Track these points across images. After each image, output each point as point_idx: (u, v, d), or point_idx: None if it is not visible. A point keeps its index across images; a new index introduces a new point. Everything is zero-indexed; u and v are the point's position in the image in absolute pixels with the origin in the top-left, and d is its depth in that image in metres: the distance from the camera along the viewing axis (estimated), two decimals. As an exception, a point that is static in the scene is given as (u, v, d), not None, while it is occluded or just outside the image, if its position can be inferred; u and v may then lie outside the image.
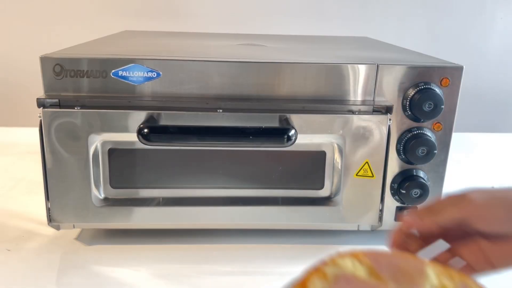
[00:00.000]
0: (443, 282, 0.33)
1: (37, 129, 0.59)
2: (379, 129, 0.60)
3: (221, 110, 0.58)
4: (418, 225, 0.41)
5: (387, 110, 0.61)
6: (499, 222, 0.38)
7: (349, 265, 0.32)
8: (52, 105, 0.58)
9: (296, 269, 0.34)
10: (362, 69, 0.60)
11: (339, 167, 0.63)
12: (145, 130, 0.55)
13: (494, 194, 0.39)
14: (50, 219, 0.61)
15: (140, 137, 0.55)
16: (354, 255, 0.33)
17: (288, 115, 0.59)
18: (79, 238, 0.66)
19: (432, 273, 0.33)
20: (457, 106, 0.62)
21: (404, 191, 0.63)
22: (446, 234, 0.41)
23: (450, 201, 0.40)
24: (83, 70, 0.59)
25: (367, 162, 0.62)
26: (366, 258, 0.33)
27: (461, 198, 0.39)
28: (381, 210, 0.64)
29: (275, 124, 0.59)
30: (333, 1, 1.52)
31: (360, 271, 0.32)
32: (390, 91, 0.61)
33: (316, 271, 0.32)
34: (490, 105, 1.68)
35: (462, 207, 0.38)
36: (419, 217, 0.40)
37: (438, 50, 1.59)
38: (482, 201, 0.38)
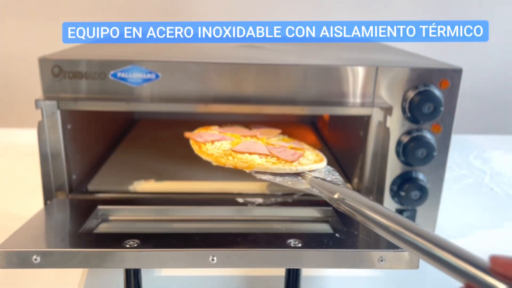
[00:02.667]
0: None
1: (35, 130, 0.59)
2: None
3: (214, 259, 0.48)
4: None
5: (387, 112, 0.60)
6: None
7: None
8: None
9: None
10: (361, 71, 0.60)
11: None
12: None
13: None
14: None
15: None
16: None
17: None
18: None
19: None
20: (457, 108, 0.62)
21: (403, 193, 0.63)
22: None
23: None
24: (82, 72, 0.58)
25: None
26: None
27: None
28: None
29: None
30: (333, 3, 1.52)
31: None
32: (389, 93, 0.61)
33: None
34: (490, 106, 1.68)
35: None
36: None
37: (437, 51, 1.59)
38: None
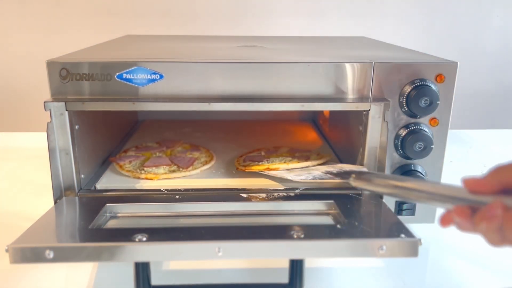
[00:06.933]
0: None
1: (42, 133, 0.60)
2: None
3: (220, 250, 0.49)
4: (481, 184, 0.39)
5: (384, 106, 0.62)
6: None
7: None
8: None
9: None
10: (359, 67, 0.62)
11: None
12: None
13: None
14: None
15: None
16: None
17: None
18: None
19: None
20: (453, 101, 0.63)
21: (402, 186, 0.65)
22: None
23: None
24: (88, 74, 0.60)
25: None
26: None
27: None
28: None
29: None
30: (332, 3, 1.54)
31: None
32: (386, 88, 0.63)
33: None
34: (488, 101, 1.69)
35: None
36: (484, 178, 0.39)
37: (435, 49, 1.61)
38: None
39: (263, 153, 0.83)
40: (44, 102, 0.60)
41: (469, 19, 1.60)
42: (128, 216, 0.61)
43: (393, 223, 0.55)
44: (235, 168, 0.76)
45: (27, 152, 1.05)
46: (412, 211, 0.67)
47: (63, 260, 0.49)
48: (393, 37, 1.54)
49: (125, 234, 0.51)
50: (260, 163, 0.74)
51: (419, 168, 0.65)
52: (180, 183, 0.70)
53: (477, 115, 1.66)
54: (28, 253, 0.48)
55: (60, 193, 0.63)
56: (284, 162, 0.74)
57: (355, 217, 0.57)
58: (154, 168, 0.74)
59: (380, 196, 0.64)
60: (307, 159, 0.76)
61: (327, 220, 0.60)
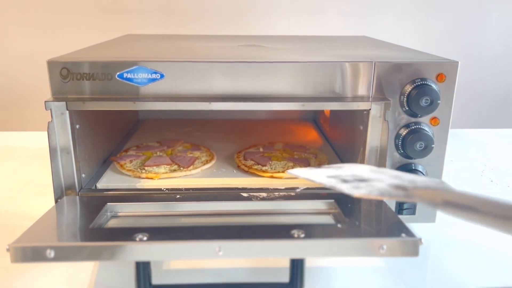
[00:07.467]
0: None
1: (43, 133, 0.60)
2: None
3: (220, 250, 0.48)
4: None
5: (385, 106, 0.62)
6: None
7: None
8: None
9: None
10: (359, 66, 0.62)
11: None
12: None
13: None
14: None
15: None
16: None
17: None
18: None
19: None
20: (453, 101, 0.63)
21: (403, 185, 0.65)
22: None
23: None
24: (89, 73, 0.60)
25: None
26: None
27: None
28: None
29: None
30: (333, 3, 1.54)
31: None
32: (387, 87, 0.63)
33: None
34: (488, 101, 1.69)
35: None
36: None
37: (436, 48, 1.61)
38: None
39: (261, 149, 0.84)
40: (45, 101, 0.60)
41: (469, 19, 1.60)
42: (129, 216, 0.61)
43: (393, 222, 0.55)
44: (236, 165, 0.77)
45: (28, 151, 1.05)
46: (412, 210, 0.67)
47: (64, 260, 0.49)
48: (394, 37, 1.54)
49: (126, 234, 0.51)
50: (264, 167, 0.75)
51: (420, 168, 0.65)
52: (180, 183, 0.70)
53: (477, 115, 1.66)
54: (29, 253, 0.48)
55: (61, 192, 0.63)
56: (287, 168, 0.74)
57: (356, 216, 0.57)
58: (154, 167, 0.74)
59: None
60: (307, 164, 0.76)
61: (328, 220, 0.60)
